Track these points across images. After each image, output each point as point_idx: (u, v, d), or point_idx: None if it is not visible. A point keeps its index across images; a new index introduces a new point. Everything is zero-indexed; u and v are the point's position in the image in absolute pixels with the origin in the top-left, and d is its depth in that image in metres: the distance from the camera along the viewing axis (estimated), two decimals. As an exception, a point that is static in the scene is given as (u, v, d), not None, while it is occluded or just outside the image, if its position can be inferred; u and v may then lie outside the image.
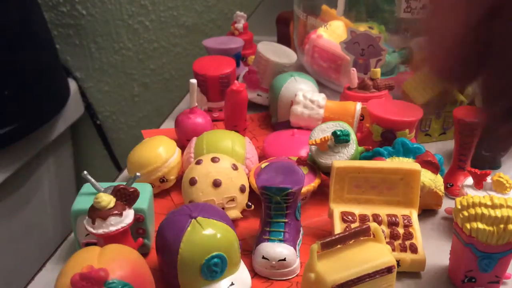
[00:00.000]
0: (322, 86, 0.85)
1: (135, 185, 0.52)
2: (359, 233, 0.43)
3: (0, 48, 0.95)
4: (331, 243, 0.42)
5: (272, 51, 0.81)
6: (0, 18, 0.95)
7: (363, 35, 0.75)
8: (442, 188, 0.58)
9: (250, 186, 0.59)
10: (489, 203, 0.44)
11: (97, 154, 1.46)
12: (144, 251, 0.53)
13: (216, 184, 0.55)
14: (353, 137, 0.59)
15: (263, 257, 0.50)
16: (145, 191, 0.53)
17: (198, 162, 0.56)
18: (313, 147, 0.60)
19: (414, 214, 0.52)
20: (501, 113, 0.13)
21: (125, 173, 0.69)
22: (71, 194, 1.34)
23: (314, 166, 0.61)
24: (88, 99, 1.37)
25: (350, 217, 0.52)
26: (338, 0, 0.84)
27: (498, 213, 0.44)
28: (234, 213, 0.55)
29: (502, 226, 0.44)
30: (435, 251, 0.53)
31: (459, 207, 0.46)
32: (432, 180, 0.56)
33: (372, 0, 0.80)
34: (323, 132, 0.61)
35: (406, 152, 0.57)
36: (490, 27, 0.13)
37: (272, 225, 0.51)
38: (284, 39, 0.99)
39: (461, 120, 0.59)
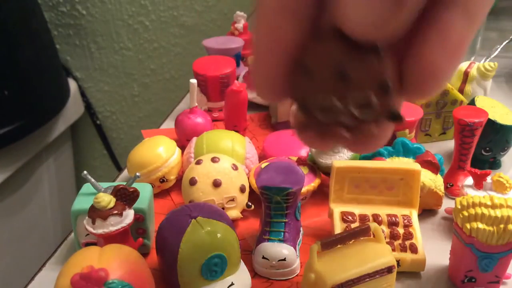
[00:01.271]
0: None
1: (135, 185, 0.52)
2: (359, 233, 0.43)
3: (0, 48, 0.95)
4: (331, 243, 0.42)
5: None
6: (0, 18, 0.95)
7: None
8: (442, 188, 0.58)
9: (250, 186, 0.59)
10: (489, 203, 0.44)
11: (97, 154, 1.46)
12: (144, 251, 0.53)
13: (216, 184, 0.55)
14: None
15: (263, 257, 0.50)
16: (145, 191, 0.53)
17: (198, 162, 0.56)
18: (313, 147, 0.60)
19: (414, 214, 0.52)
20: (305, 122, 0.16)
21: (125, 173, 0.69)
22: (71, 194, 1.34)
23: (314, 166, 0.61)
24: (88, 99, 1.37)
25: (350, 217, 0.52)
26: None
27: (498, 213, 0.44)
28: (234, 213, 0.55)
29: (502, 226, 0.44)
30: (435, 251, 0.53)
31: (459, 207, 0.46)
32: (432, 180, 0.56)
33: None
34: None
35: (406, 152, 0.57)
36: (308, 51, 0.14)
37: (272, 225, 0.51)
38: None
39: (461, 120, 0.59)
